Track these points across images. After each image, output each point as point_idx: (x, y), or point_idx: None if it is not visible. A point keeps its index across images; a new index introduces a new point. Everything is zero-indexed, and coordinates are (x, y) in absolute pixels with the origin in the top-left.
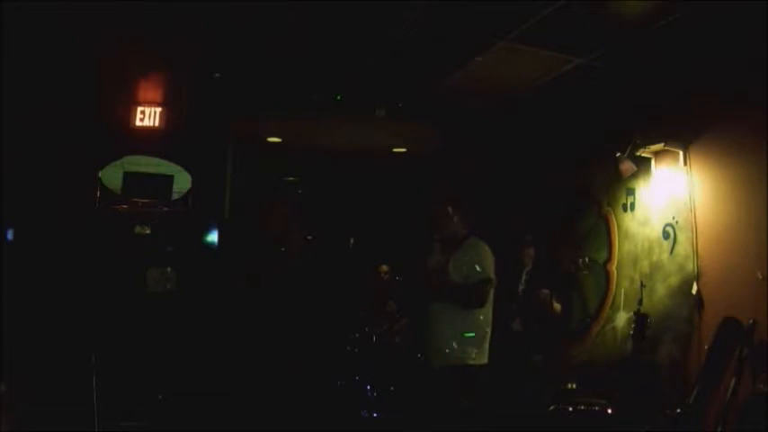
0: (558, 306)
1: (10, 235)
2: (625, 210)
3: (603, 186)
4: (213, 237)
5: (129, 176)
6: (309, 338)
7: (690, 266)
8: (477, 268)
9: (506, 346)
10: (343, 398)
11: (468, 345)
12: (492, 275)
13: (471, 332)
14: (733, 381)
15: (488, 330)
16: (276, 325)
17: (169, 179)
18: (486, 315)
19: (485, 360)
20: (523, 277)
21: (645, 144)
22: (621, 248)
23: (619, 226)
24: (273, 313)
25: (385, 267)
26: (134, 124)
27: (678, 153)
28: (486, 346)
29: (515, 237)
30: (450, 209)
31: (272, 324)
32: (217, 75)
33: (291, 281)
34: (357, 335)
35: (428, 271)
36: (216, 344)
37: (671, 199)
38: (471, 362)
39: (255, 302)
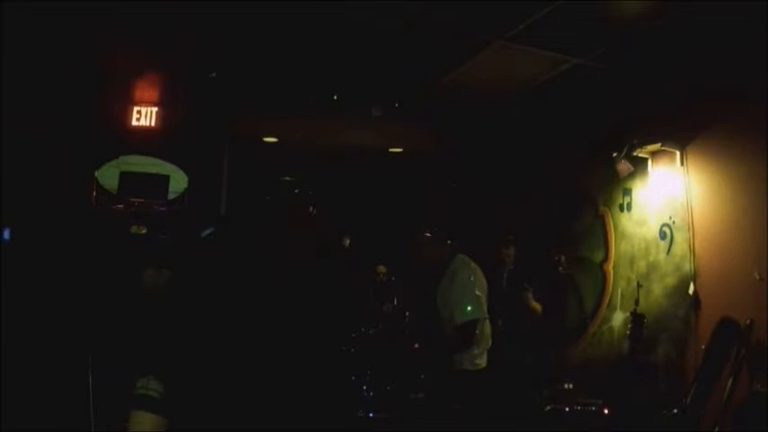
0: (536, 305)
1: (6, 234)
2: (622, 210)
3: (600, 186)
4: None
5: (125, 176)
6: (306, 338)
7: (687, 266)
8: (461, 310)
9: (496, 346)
10: (340, 397)
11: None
12: (479, 314)
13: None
14: (730, 381)
15: (490, 340)
16: (273, 324)
17: (165, 179)
18: (486, 325)
19: (484, 364)
20: (505, 276)
21: (642, 144)
22: (618, 248)
23: (615, 226)
24: (271, 312)
25: (382, 268)
26: (130, 124)
27: (675, 153)
28: (486, 351)
29: (498, 237)
30: (429, 235)
31: (268, 323)
32: (213, 74)
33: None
34: (354, 335)
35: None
36: (212, 343)
37: (668, 199)
38: (472, 368)
39: (253, 300)
